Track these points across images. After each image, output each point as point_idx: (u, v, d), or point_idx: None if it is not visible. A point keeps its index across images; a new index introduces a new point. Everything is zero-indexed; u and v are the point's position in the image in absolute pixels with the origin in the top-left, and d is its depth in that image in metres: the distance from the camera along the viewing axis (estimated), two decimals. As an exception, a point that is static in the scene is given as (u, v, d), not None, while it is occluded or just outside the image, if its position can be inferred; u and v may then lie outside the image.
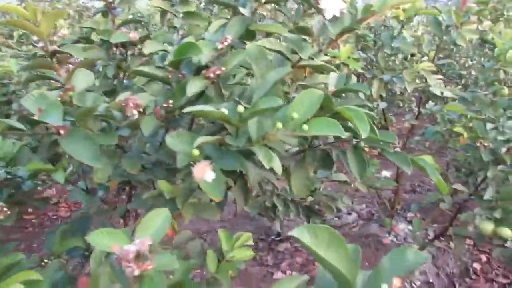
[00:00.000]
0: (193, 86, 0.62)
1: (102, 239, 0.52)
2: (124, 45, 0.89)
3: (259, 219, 1.98)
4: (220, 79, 0.64)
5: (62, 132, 0.57)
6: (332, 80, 0.74)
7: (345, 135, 0.50)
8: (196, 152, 0.55)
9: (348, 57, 1.08)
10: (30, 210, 2.24)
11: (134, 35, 0.87)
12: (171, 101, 0.68)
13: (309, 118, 0.53)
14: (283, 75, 0.58)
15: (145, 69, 0.71)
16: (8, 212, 0.98)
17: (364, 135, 0.56)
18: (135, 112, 0.64)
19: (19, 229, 2.22)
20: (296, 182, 0.76)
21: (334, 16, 0.58)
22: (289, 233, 0.54)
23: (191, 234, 1.01)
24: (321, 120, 0.52)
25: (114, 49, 0.90)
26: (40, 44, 0.73)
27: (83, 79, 0.70)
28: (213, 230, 2.05)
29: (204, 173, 0.55)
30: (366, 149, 0.79)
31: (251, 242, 0.82)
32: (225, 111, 0.52)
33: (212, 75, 0.64)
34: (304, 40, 0.63)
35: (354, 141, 0.71)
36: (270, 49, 0.63)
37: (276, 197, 1.42)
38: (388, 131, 0.68)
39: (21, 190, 1.12)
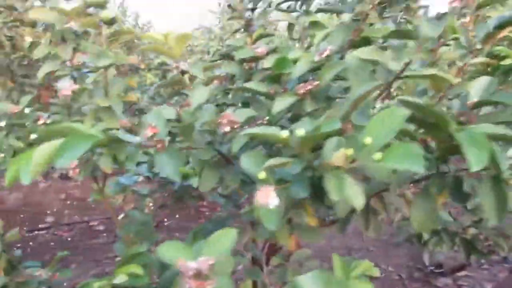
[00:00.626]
0: (281, 103, 0.58)
1: (170, 252, 0.54)
2: (254, 60, 0.91)
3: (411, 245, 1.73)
4: (311, 94, 0.58)
5: (159, 146, 0.62)
6: (477, 88, 0.56)
7: (422, 171, 0.36)
8: (262, 174, 0.51)
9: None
10: (205, 204, 2.58)
11: (261, 50, 0.88)
12: (267, 117, 0.66)
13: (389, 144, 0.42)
14: (370, 91, 0.47)
15: (248, 84, 0.71)
16: (152, 207, 1.15)
17: (474, 167, 0.41)
18: (228, 128, 0.65)
19: (193, 219, 2.59)
20: (418, 214, 0.62)
21: (440, 13, 0.44)
22: (296, 279, 0.43)
23: (311, 253, 0.95)
24: (398, 149, 0.40)
25: (246, 64, 0.93)
26: (174, 64, 0.82)
27: (199, 95, 0.75)
28: (363, 249, 1.89)
29: (268, 198, 0.50)
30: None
31: (374, 273, 0.70)
32: (284, 133, 0.46)
33: (302, 91, 0.58)
34: (406, 46, 0.50)
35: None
36: (367, 60, 0.52)
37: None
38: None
39: (181, 189, 1.30)
